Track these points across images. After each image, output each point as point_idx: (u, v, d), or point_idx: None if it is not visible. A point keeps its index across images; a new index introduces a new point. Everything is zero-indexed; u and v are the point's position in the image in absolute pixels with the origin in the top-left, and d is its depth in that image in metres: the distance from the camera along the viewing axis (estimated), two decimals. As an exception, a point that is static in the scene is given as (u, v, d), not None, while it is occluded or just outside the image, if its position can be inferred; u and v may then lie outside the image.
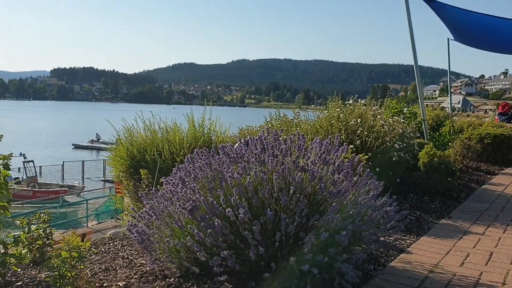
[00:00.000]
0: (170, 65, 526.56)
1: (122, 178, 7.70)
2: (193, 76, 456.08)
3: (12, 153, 3.43)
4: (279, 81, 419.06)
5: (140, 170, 6.58)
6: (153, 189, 4.14)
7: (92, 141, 51.97)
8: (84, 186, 27.25)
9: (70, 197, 21.93)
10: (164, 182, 3.29)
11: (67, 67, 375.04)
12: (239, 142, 3.92)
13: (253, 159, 2.94)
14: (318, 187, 2.90)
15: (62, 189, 25.24)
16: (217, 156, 3.16)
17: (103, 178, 31.84)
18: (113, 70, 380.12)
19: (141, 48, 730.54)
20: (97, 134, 52.44)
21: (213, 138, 9.28)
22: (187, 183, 2.93)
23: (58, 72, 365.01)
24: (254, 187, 2.77)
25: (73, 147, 51.47)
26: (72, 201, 19.85)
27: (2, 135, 3.35)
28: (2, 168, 3.29)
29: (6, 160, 3.31)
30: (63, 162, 33.00)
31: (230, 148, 3.24)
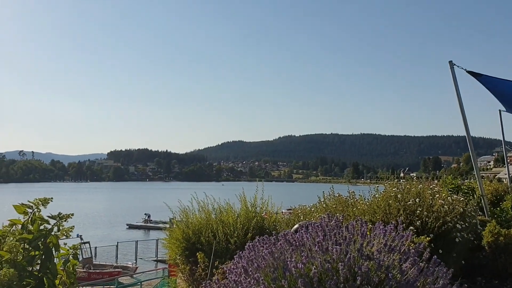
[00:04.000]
0: (219, 144, 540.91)
1: (179, 261, 7.76)
2: (241, 153, 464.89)
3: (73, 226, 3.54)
4: (326, 155, 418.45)
5: (197, 253, 6.65)
6: (209, 273, 4.13)
7: (144, 221, 53.07)
8: (137, 267, 27.36)
9: (124, 278, 22.03)
10: (227, 270, 3.30)
11: (123, 149, 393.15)
12: (298, 226, 3.91)
13: (316, 247, 2.92)
14: (384, 276, 2.81)
15: (116, 270, 25.44)
16: (278, 243, 3.16)
17: (155, 258, 31.98)
18: (166, 150, 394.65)
19: (192, 128, 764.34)
20: (145, 214, 53.65)
21: (265, 217, 9.31)
22: (250, 272, 2.93)
23: (114, 154, 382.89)
24: (320, 278, 2.73)
25: (127, 227, 52.52)
26: (126, 283, 19.91)
27: (73, 214, 3.50)
28: (71, 258, 3.43)
29: (75, 250, 3.45)
30: (117, 242, 33.54)
31: (292, 235, 3.24)
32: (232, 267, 3.22)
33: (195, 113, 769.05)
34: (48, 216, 2.98)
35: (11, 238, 2.95)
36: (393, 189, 6.53)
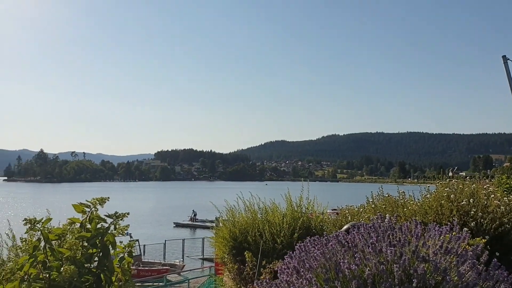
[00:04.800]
0: (262, 143, 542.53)
1: (226, 260, 7.84)
2: (284, 153, 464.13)
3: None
4: (371, 154, 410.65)
5: (245, 252, 6.70)
6: (257, 272, 4.14)
7: (191, 218, 54.00)
8: (184, 265, 27.86)
9: (172, 276, 22.48)
10: (278, 270, 3.29)
11: (169, 150, 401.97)
12: (349, 227, 3.86)
13: (369, 248, 2.86)
14: (441, 279, 2.73)
15: (164, 267, 25.99)
16: (329, 244, 3.12)
17: (201, 257, 32.49)
18: (211, 150, 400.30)
19: (235, 129, 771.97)
20: (193, 210, 54.48)
21: (311, 218, 9.24)
22: (302, 273, 2.92)
23: (161, 155, 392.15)
24: (374, 280, 2.68)
25: (174, 225, 53.64)
26: (174, 280, 20.32)
27: (128, 213, 3.58)
28: (126, 256, 3.52)
29: (130, 248, 3.54)
30: (165, 240, 34.27)
31: (343, 236, 3.20)
32: (283, 267, 3.21)
33: (238, 113, 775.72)
34: (105, 215, 3.07)
35: (70, 236, 3.07)
36: (445, 189, 6.31)
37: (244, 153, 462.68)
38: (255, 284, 3.88)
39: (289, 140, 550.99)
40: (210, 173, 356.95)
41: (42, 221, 2.98)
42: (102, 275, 3.00)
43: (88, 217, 3.03)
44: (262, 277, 6.16)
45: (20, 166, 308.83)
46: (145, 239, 36.23)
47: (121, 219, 3.14)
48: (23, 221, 2.96)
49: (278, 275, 3.25)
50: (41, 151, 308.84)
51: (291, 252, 3.48)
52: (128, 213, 3.20)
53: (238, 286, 7.53)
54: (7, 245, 6.70)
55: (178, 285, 18.44)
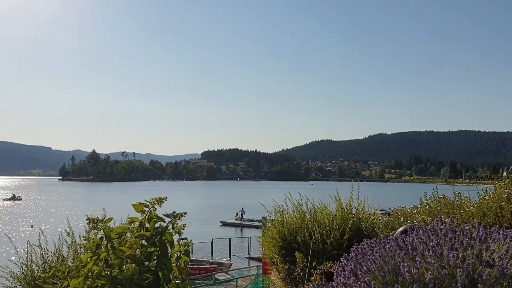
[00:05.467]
0: (307, 143, 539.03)
1: (277, 260, 7.84)
2: (330, 153, 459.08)
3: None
4: (421, 154, 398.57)
5: (296, 253, 6.68)
6: (307, 273, 4.11)
7: (237, 217, 54.43)
8: (231, 264, 28.08)
9: (220, 275, 22.74)
10: (335, 273, 3.25)
11: (215, 150, 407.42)
12: (405, 229, 3.76)
13: (430, 252, 2.77)
14: (506, 284, 2.60)
15: (212, 266, 26.33)
16: (387, 246, 3.05)
17: (248, 256, 32.66)
18: (255, 150, 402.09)
19: (280, 128, 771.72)
20: (242, 208, 54.83)
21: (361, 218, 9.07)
22: (359, 275, 2.87)
23: (207, 154, 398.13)
24: (435, 284, 2.59)
25: (221, 224, 54.28)
26: (221, 279, 20.55)
27: (185, 212, 3.64)
28: (183, 254, 3.58)
29: (187, 247, 3.60)
30: (212, 239, 34.72)
31: (402, 238, 3.11)
32: (339, 269, 3.17)
33: (283, 112, 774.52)
34: (164, 215, 3.14)
35: (130, 235, 3.15)
36: (505, 190, 6.03)
37: (289, 152, 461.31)
38: (305, 285, 3.85)
39: (335, 139, 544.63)
40: (255, 172, 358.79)
41: (104, 220, 3.08)
42: (160, 273, 3.07)
43: (147, 217, 3.11)
44: (313, 278, 6.12)
45: (74, 166, 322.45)
46: (193, 238, 36.51)
47: (179, 219, 3.20)
48: (86, 220, 3.06)
49: (334, 277, 3.21)
50: (94, 151, 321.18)
51: (346, 254, 3.43)
52: (185, 213, 3.26)
53: (288, 286, 7.51)
54: (67, 242, 6.98)
55: (226, 283, 18.63)
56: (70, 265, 3.15)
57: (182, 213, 3.21)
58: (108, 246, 2.97)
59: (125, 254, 2.98)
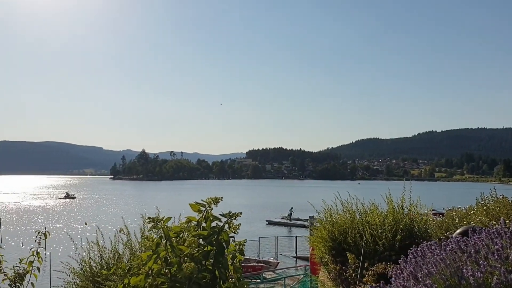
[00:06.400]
0: (353, 141, 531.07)
1: (327, 261, 7.78)
2: (377, 151, 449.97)
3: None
4: (473, 152, 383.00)
5: (348, 254, 6.61)
6: (359, 274, 4.05)
7: (286, 216, 54.32)
8: (278, 263, 28.10)
9: (267, 273, 22.78)
10: (393, 275, 3.19)
11: (260, 149, 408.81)
12: (464, 231, 3.64)
13: (496, 255, 2.67)
14: None
15: (259, 264, 26.42)
16: (448, 249, 2.96)
17: (295, 255, 32.56)
18: (300, 149, 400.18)
19: (325, 126, 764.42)
20: (292, 208, 54.61)
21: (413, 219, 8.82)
22: (420, 278, 2.80)
23: (252, 153, 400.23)
24: (504, 290, 2.49)
25: (267, 223, 54.40)
26: (269, 277, 20.59)
27: (241, 212, 3.66)
28: (238, 254, 3.62)
29: (241, 246, 3.63)
30: (259, 237, 34.85)
31: (464, 241, 3.01)
32: (397, 271, 3.11)
33: (328, 110, 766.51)
34: (220, 214, 3.18)
35: (186, 234, 3.22)
36: None
37: (335, 151, 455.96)
38: (357, 286, 3.80)
39: (382, 137, 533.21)
40: (299, 171, 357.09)
41: (163, 219, 3.16)
42: (217, 272, 3.11)
43: (203, 216, 3.16)
44: (365, 279, 6.03)
45: (124, 165, 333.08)
46: (239, 236, 36.97)
47: (235, 218, 3.24)
48: (146, 219, 3.14)
49: (393, 279, 3.15)
50: (143, 151, 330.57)
51: (404, 257, 3.35)
52: (241, 213, 3.29)
53: (339, 287, 7.43)
54: (122, 240, 7.18)
55: (274, 282, 18.66)
56: (132, 263, 3.26)
57: (237, 213, 3.24)
58: (167, 245, 3.04)
59: (184, 253, 3.04)
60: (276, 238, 34.76)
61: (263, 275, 19.96)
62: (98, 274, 6.24)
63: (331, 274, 7.94)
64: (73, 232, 37.53)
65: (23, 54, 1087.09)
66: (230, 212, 3.20)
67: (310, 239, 9.54)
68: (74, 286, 6.76)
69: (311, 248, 11.75)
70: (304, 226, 49.24)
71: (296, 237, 34.20)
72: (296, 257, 32.10)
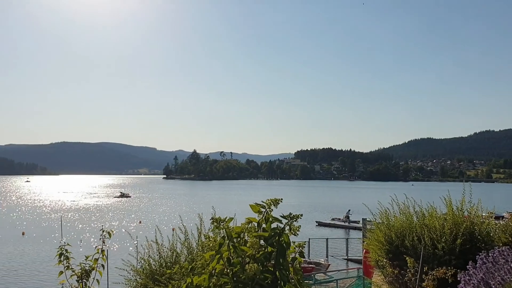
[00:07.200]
0: (406, 142, 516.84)
1: (385, 264, 7.60)
2: (431, 151, 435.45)
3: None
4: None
5: (407, 258, 6.43)
6: (419, 279, 3.93)
7: (343, 218, 53.57)
8: (329, 264, 27.79)
9: (318, 275, 22.56)
10: (462, 281, 3.07)
11: (309, 149, 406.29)
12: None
13: None
14: None
15: (310, 265, 26.23)
16: (521, 256, 2.81)
17: (346, 257, 32.07)
18: (350, 149, 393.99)
19: (376, 126, 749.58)
20: (349, 210, 53.76)
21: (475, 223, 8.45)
22: (492, 286, 2.67)
23: (301, 154, 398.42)
24: None
25: (316, 224, 53.97)
26: (320, 279, 20.41)
27: (302, 214, 3.64)
28: (298, 256, 3.60)
29: (301, 248, 3.61)
30: (309, 239, 34.59)
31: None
32: (466, 277, 2.99)
33: (379, 110, 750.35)
34: (281, 216, 3.18)
35: (246, 235, 3.24)
36: None
37: (386, 151, 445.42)
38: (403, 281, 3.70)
39: (436, 137, 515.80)
40: (350, 172, 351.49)
41: (226, 220, 3.19)
42: (278, 273, 3.11)
43: (264, 217, 3.16)
44: (424, 284, 5.86)
45: (176, 165, 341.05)
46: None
47: (295, 220, 3.23)
48: (210, 220, 3.20)
49: (461, 286, 3.03)
50: (194, 151, 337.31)
51: (472, 262, 3.22)
52: (301, 215, 3.28)
53: (395, 291, 7.24)
54: (180, 239, 7.32)
55: (326, 284, 18.47)
56: (197, 262, 3.32)
57: (298, 215, 3.23)
58: (230, 246, 3.07)
59: (247, 254, 3.06)
60: (327, 239, 34.38)
61: (315, 277, 19.81)
62: (158, 272, 6.40)
63: (387, 278, 7.75)
64: (128, 231, 38.82)
65: (84, 61, 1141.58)
66: (290, 213, 3.19)
67: (364, 242, 9.35)
68: (134, 283, 6.97)
69: (364, 250, 11.55)
70: (354, 228, 48.43)
71: (347, 239, 33.70)
72: (348, 259, 31.61)
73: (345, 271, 22.34)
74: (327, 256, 32.10)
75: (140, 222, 53.75)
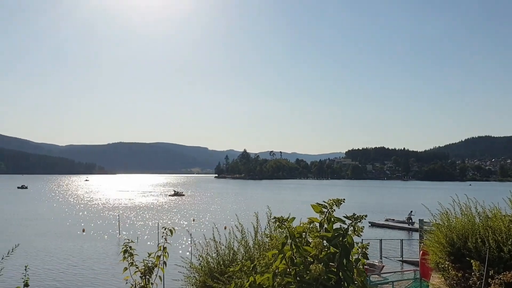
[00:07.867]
0: (463, 140, 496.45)
1: (447, 266, 7.33)
2: (489, 150, 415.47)
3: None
4: None
5: (472, 261, 6.17)
6: (484, 283, 3.76)
7: (405, 219, 52.35)
8: (383, 266, 27.19)
9: (373, 276, 22.12)
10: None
11: (360, 148, 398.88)
12: None
13: None
14: None
15: (364, 267, 25.68)
16: None
17: (401, 259, 31.29)
18: (404, 148, 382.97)
19: (431, 124, 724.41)
20: (411, 211, 52.43)
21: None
22: None
23: (352, 153, 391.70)
24: None
25: (369, 224, 53.00)
26: (374, 280, 19.99)
27: (366, 215, 3.58)
28: (361, 257, 3.54)
29: (365, 249, 3.55)
30: (362, 239, 33.91)
31: None
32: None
33: (434, 108, 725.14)
34: (344, 216, 3.15)
35: (307, 235, 3.23)
36: None
37: (442, 150, 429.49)
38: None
39: (495, 135, 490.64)
40: (403, 172, 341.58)
41: (288, 219, 3.20)
42: (341, 274, 3.07)
43: (326, 217, 3.14)
44: (490, 288, 5.60)
45: (227, 164, 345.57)
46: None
47: (359, 221, 3.18)
48: (272, 219, 3.22)
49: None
50: (245, 151, 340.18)
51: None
52: (366, 215, 3.23)
53: (458, 296, 6.98)
54: (236, 237, 7.38)
55: (381, 285, 18.07)
56: (261, 261, 3.35)
57: (362, 216, 3.18)
58: (293, 245, 3.08)
59: (310, 254, 3.06)
60: (380, 240, 33.65)
61: (369, 278, 19.42)
62: (216, 270, 6.49)
63: (449, 280, 7.48)
64: (182, 229, 39.77)
65: (140, 64, 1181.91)
66: (354, 214, 3.15)
67: (422, 243, 9.08)
68: (193, 280, 7.12)
69: (421, 252, 11.22)
70: (410, 230, 47.12)
71: (401, 240, 32.84)
72: (402, 261, 30.81)
73: (400, 272, 21.73)
74: (381, 258, 31.43)
75: (193, 220, 54.81)
